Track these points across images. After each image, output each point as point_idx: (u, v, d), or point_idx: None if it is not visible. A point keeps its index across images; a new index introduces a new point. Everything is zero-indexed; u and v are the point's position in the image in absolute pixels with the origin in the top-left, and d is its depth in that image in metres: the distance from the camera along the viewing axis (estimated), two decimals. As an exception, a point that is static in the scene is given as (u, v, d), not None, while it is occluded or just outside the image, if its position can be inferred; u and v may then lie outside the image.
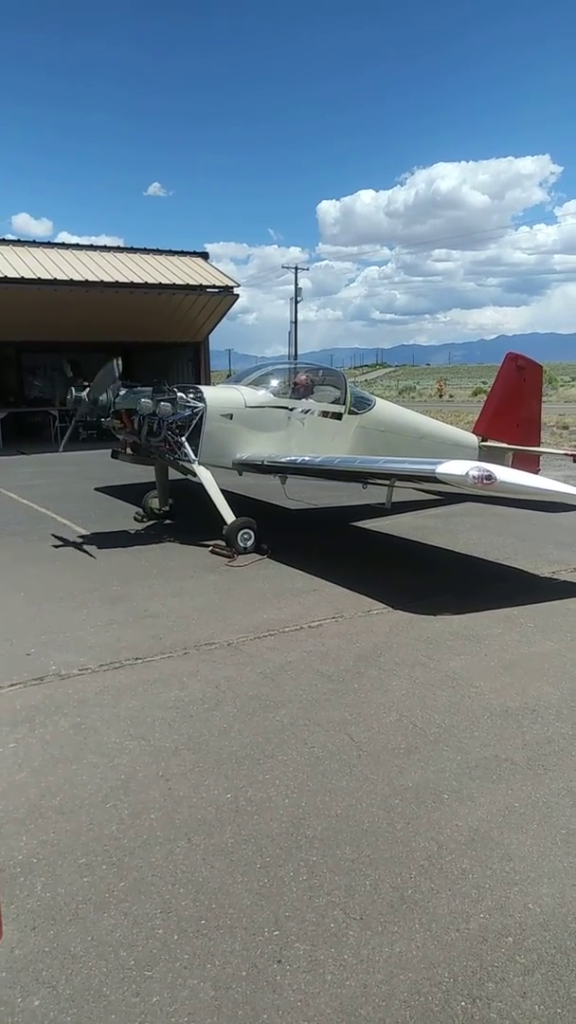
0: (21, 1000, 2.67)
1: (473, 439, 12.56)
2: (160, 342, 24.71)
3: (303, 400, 10.53)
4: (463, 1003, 2.64)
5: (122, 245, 24.24)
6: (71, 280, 20.31)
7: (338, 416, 10.76)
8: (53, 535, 10.10)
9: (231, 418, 9.75)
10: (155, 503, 10.97)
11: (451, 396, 56.13)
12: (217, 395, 9.90)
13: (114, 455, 10.52)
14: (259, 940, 2.94)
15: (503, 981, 2.74)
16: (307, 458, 9.32)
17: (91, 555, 9.03)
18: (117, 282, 20.81)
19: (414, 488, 11.76)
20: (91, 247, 23.09)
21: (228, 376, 51.22)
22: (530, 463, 12.35)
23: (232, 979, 2.75)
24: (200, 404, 9.53)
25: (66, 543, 9.63)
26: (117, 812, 3.80)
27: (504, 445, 12.44)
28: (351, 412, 10.87)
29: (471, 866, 3.37)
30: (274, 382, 10.52)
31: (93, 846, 3.53)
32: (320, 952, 2.88)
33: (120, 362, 8.97)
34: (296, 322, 63.78)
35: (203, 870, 3.35)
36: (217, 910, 3.10)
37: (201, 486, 9.40)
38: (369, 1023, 2.57)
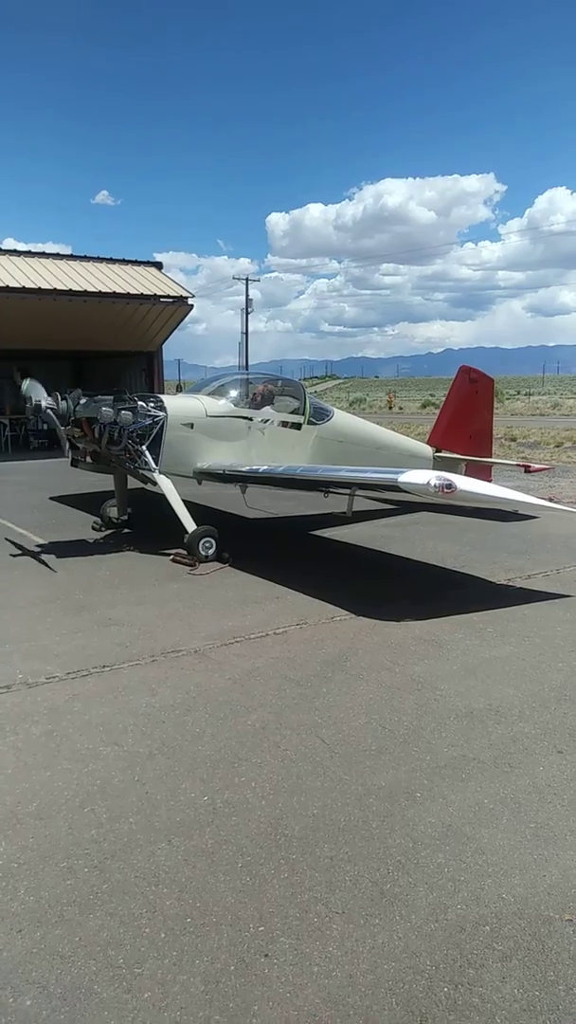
0: (13, 1000, 2.68)
1: (428, 450, 12.83)
2: (113, 351, 24.56)
3: (263, 410, 10.64)
4: (446, 989, 2.75)
5: (70, 252, 24.05)
6: (23, 288, 20.08)
7: (297, 426, 10.90)
8: (10, 541, 9.99)
9: (192, 427, 9.80)
10: (114, 512, 10.92)
11: (401, 408, 56.89)
12: (178, 404, 9.95)
13: (74, 463, 10.47)
14: (245, 936, 3.00)
15: (483, 967, 2.85)
16: (270, 468, 9.42)
17: (50, 565, 8.96)
18: (71, 290, 20.66)
19: (371, 498, 11.95)
20: (43, 254, 22.85)
21: (178, 387, 50.94)
22: (483, 473, 12.66)
23: (221, 973, 2.81)
24: (161, 413, 9.56)
25: (24, 552, 9.53)
26: (95, 816, 3.82)
27: (458, 456, 12.73)
28: (310, 422, 11.01)
29: (446, 860, 3.48)
30: (234, 392, 10.62)
31: (74, 850, 3.54)
32: (305, 945, 2.95)
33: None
34: (247, 333, 64.01)
35: (185, 870, 3.40)
36: (202, 908, 3.16)
37: (159, 495, 9.40)
38: (357, 1011, 2.65)
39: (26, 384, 9.06)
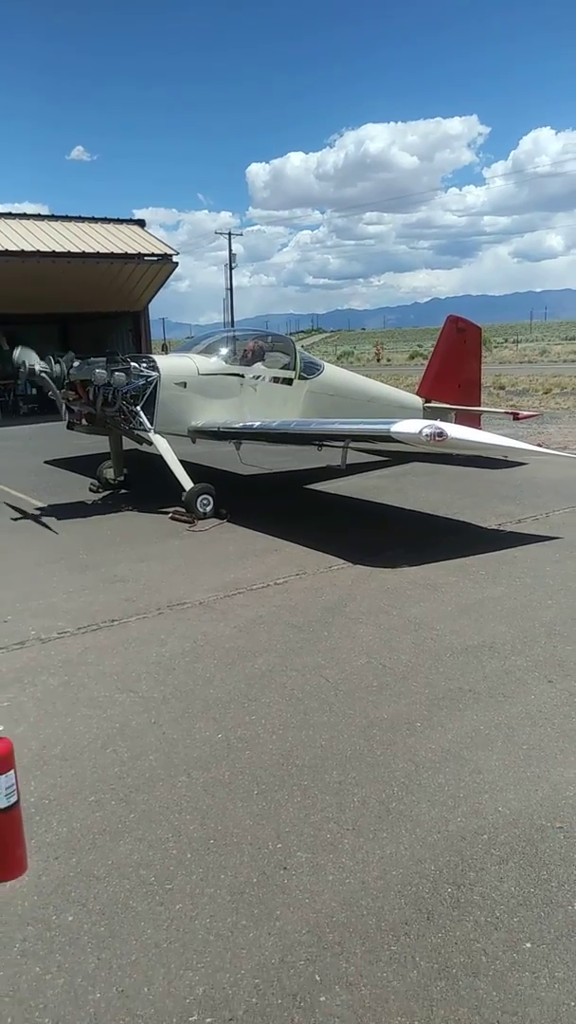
0: (55, 917, 2.95)
1: (418, 400, 12.96)
2: (99, 312, 24.39)
3: (254, 366, 10.74)
4: (449, 889, 3.03)
5: (45, 212, 23.67)
6: (5, 251, 19.87)
7: (288, 382, 11.01)
8: (9, 505, 10.17)
9: (185, 386, 9.91)
10: (110, 473, 11.08)
11: (389, 360, 56.70)
12: (170, 364, 10.04)
13: (70, 427, 10.60)
14: (264, 852, 3.27)
15: (482, 870, 3.13)
16: (264, 423, 9.57)
17: (51, 527, 9.14)
18: (54, 252, 20.46)
19: (363, 450, 12.12)
20: (24, 215, 22.55)
21: (163, 346, 50.37)
22: (472, 422, 12.81)
23: (245, 885, 3.08)
24: (154, 373, 9.66)
25: (25, 515, 9.70)
26: (117, 756, 4.08)
27: (447, 405, 12.87)
28: (301, 377, 11.13)
29: (446, 780, 3.76)
30: (225, 349, 10.70)
31: (100, 786, 3.80)
32: (320, 858, 3.23)
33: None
34: (232, 289, 63.28)
35: (205, 799, 3.67)
36: (223, 831, 3.42)
37: (154, 455, 9.54)
38: (370, 911, 2.93)
39: (18, 351, 9.12)
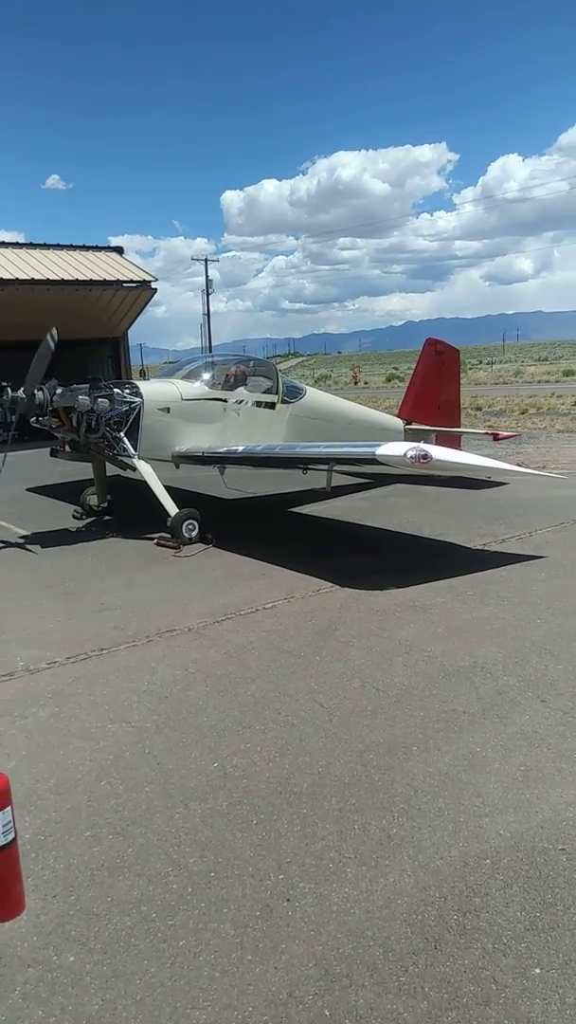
0: (56, 958, 2.88)
1: (399, 423, 13.06)
2: (79, 339, 24.37)
3: (237, 391, 10.78)
4: (455, 916, 3.00)
5: (22, 240, 23.70)
6: (-17, 278, 19.88)
7: (271, 406, 11.06)
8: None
9: (168, 411, 9.91)
10: (93, 500, 11.02)
11: (366, 383, 57.14)
12: (153, 389, 10.06)
13: (53, 453, 10.54)
14: (267, 884, 3.23)
15: (487, 896, 3.11)
16: (248, 447, 9.58)
17: (36, 554, 9.06)
18: (32, 279, 20.49)
19: (346, 472, 12.17)
20: (2, 244, 22.57)
21: (141, 371, 50.56)
22: (452, 443, 12.93)
23: (248, 919, 3.03)
24: (137, 399, 9.66)
25: (8, 544, 9.61)
26: (112, 788, 4.02)
27: (428, 427, 12.98)
28: (284, 401, 11.18)
29: (446, 804, 3.74)
30: (207, 375, 10.74)
31: (96, 820, 3.74)
32: (323, 888, 3.19)
33: (56, 332, 9.07)
34: (209, 314, 63.59)
35: (204, 831, 3.62)
36: (223, 863, 3.38)
37: (137, 481, 9.51)
38: (376, 941, 2.89)
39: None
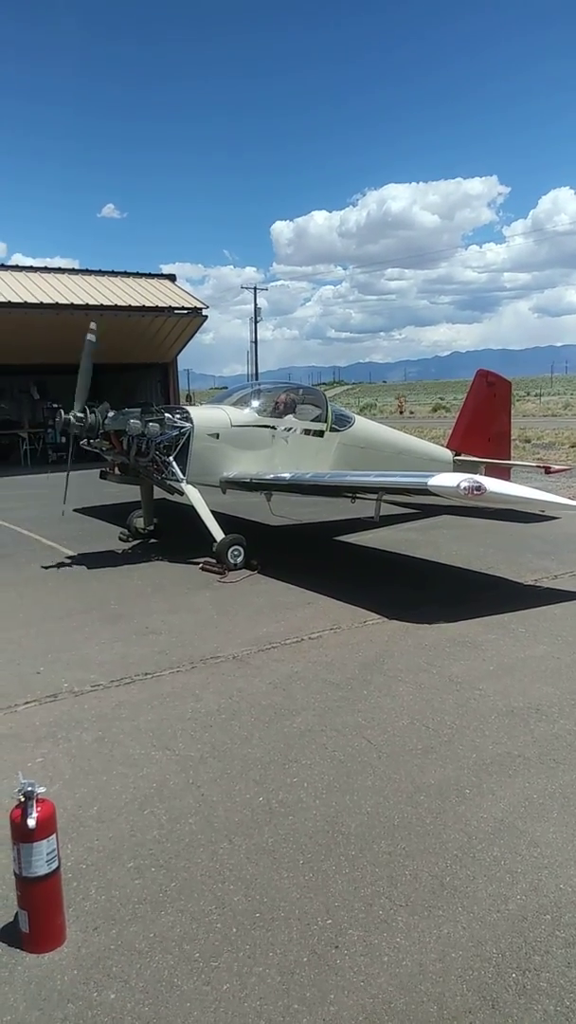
0: (97, 995, 2.79)
1: (447, 453, 12.92)
2: (129, 363, 24.77)
3: (286, 418, 10.77)
4: (514, 975, 2.84)
5: (78, 267, 24.26)
6: (40, 303, 20.33)
7: (320, 433, 11.02)
8: (41, 556, 10.15)
9: (217, 437, 9.94)
10: (140, 522, 11.06)
11: (412, 412, 56.92)
12: (203, 415, 10.09)
13: (103, 475, 10.63)
14: (314, 929, 3.10)
15: (548, 954, 2.94)
16: (297, 474, 9.54)
17: (83, 576, 9.10)
18: (87, 304, 20.88)
19: (392, 502, 12.04)
20: (59, 270, 23.13)
21: (188, 396, 51.12)
22: (502, 475, 12.73)
23: (295, 965, 2.91)
24: (187, 424, 9.70)
25: (56, 564, 9.67)
26: (156, 818, 3.93)
27: (477, 459, 12.81)
28: (332, 429, 11.14)
29: (502, 853, 3.58)
30: (257, 401, 10.75)
31: (139, 851, 3.66)
32: (373, 937, 3.05)
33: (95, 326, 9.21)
34: (256, 341, 64.31)
35: (249, 868, 3.51)
36: (269, 904, 3.26)
37: (183, 504, 9.51)
38: (430, 997, 2.74)
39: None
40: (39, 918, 3.00)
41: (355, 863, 3.52)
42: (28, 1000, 2.77)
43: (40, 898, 2.99)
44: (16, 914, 3.06)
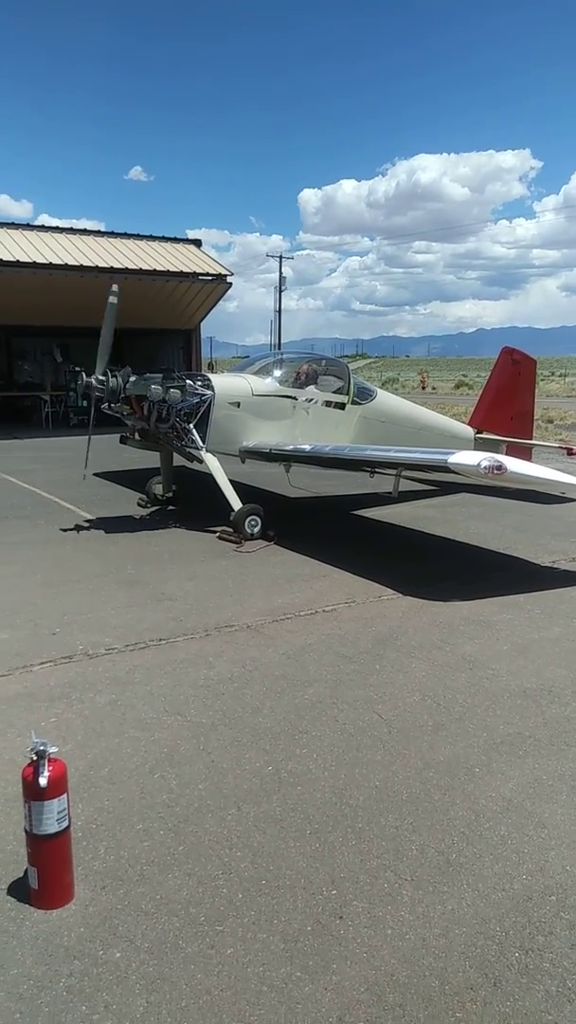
0: (102, 953, 2.83)
1: (469, 431, 12.78)
2: (152, 328, 24.68)
3: (307, 389, 10.69)
4: (517, 954, 2.85)
5: (103, 229, 24.11)
6: (65, 264, 20.24)
7: (341, 406, 10.93)
8: (60, 518, 10.20)
9: (238, 406, 9.88)
10: (159, 489, 11.07)
11: (434, 388, 56.40)
12: (225, 383, 10.03)
13: (122, 440, 10.62)
14: (319, 899, 3.13)
15: (551, 935, 2.95)
16: (316, 446, 9.48)
17: (100, 540, 9.14)
18: (112, 267, 20.75)
19: (410, 478, 11.96)
20: (84, 231, 22.98)
21: (210, 364, 51.12)
22: (523, 455, 12.58)
23: (299, 933, 2.94)
24: (208, 392, 9.65)
25: (74, 527, 9.72)
26: (165, 782, 3.97)
27: (499, 437, 12.66)
28: (354, 402, 11.04)
29: (509, 833, 3.58)
30: (279, 371, 10.67)
31: (148, 813, 3.69)
32: (378, 909, 3.07)
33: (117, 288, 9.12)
34: (280, 311, 63.73)
35: (256, 836, 3.53)
36: (275, 872, 3.29)
37: (202, 472, 9.49)
38: (432, 972, 2.76)
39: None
40: (48, 875, 3.04)
41: (362, 836, 3.54)
42: (35, 955, 2.81)
43: (50, 856, 3.03)
44: (26, 870, 3.10)
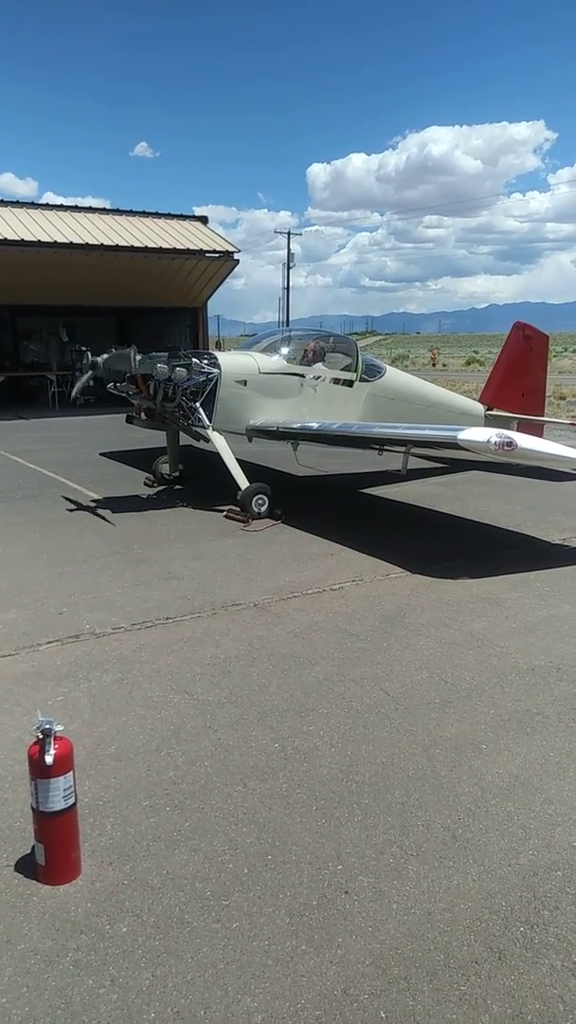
0: (109, 927, 2.85)
1: (479, 408, 12.68)
2: (158, 306, 24.53)
3: (315, 367, 10.60)
4: (522, 928, 2.85)
5: (109, 207, 23.91)
6: (71, 243, 20.10)
7: (349, 383, 10.85)
8: (65, 496, 10.21)
9: (245, 384, 9.82)
10: (166, 468, 11.05)
11: (444, 365, 56.00)
12: (232, 361, 9.97)
13: (129, 419, 10.59)
14: (324, 873, 3.13)
15: (557, 910, 2.95)
16: (324, 424, 9.43)
17: (107, 519, 9.14)
18: (117, 245, 20.61)
19: (421, 456, 11.89)
20: (89, 209, 22.80)
21: (217, 343, 50.68)
22: (535, 432, 12.47)
23: (304, 908, 2.95)
24: (215, 370, 9.59)
25: (80, 507, 9.72)
26: (172, 760, 3.98)
27: (510, 414, 12.57)
28: (362, 379, 10.95)
29: (515, 809, 3.57)
30: (286, 349, 10.59)
31: (154, 790, 3.71)
32: (383, 884, 3.07)
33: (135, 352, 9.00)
34: (288, 288, 63.24)
35: (262, 812, 3.54)
36: (281, 847, 3.30)
37: (209, 451, 9.45)
38: (437, 946, 2.77)
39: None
40: (54, 852, 3.06)
41: (368, 811, 3.54)
42: (42, 930, 2.84)
43: (56, 833, 3.05)
44: (33, 847, 3.12)
